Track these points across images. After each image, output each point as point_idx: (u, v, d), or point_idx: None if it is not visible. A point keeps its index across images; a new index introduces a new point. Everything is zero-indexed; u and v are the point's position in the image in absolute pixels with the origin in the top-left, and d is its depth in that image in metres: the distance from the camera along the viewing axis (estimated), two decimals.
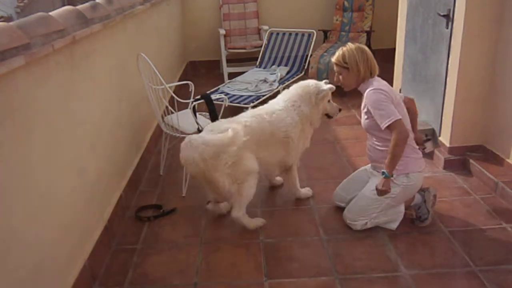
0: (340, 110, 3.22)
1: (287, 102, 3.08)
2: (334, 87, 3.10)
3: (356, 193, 2.96)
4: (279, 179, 3.47)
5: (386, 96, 2.70)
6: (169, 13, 5.83)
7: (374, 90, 2.73)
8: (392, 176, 2.71)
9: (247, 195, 2.84)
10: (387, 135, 2.74)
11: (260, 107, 3.17)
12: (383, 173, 2.71)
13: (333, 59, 2.89)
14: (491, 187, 3.27)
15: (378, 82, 2.80)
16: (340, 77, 2.88)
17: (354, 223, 2.86)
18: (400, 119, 2.66)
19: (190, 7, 6.91)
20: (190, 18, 6.92)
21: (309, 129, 3.16)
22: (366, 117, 2.83)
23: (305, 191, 3.30)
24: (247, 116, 3.02)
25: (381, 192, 2.73)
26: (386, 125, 2.65)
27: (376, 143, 2.85)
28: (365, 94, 2.79)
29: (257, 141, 2.88)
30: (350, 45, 2.87)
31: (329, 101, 3.15)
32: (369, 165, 3.06)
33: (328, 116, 3.21)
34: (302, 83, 3.17)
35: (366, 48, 2.86)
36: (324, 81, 3.18)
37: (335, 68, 2.91)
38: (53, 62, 2.12)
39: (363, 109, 2.85)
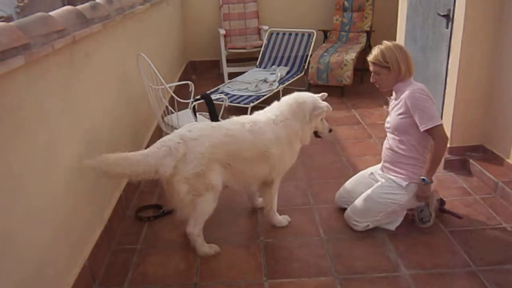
0: (330, 130, 2.94)
1: (278, 117, 2.76)
2: (330, 108, 2.82)
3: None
4: (261, 200, 3.11)
5: (431, 99, 2.67)
6: (169, 13, 5.83)
7: (419, 89, 2.65)
8: (432, 182, 2.70)
9: (203, 210, 2.58)
10: (415, 141, 2.70)
11: (247, 116, 2.90)
12: (423, 179, 2.68)
13: (370, 58, 2.75)
14: (491, 187, 3.27)
15: (416, 83, 2.74)
16: (378, 77, 2.76)
17: (357, 224, 2.85)
18: (442, 124, 2.63)
19: (190, 7, 6.91)
20: (190, 18, 6.92)
21: (298, 145, 2.86)
22: (401, 116, 2.71)
23: (281, 219, 2.95)
24: (229, 123, 2.75)
25: (422, 198, 2.75)
26: (427, 127, 2.60)
27: (400, 146, 2.77)
28: (405, 93, 2.67)
29: (233, 152, 2.60)
30: (387, 43, 2.73)
31: (322, 119, 2.88)
32: (376, 167, 3.03)
33: (317, 135, 2.93)
34: (298, 97, 2.84)
35: (403, 46, 2.77)
36: (321, 94, 2.91)
37: (372, 67, 2.77)
38: (53, 62, 2.12)
39: (397, 106, 2.75)
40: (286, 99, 2.85)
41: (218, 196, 2.62)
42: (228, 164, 2.60)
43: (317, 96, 2.86)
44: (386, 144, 2.92)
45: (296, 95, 2.86)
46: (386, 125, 2.90)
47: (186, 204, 2.56)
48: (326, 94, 2.95)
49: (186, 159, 2.47)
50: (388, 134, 2.91)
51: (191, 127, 2.64)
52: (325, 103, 2.82)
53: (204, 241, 2.68)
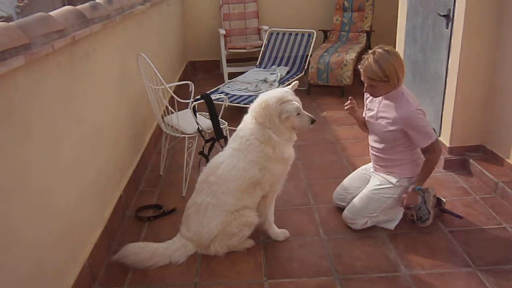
0: (313, 121, 2.62)
1: (242, 140, 2.60)
2: (300, 108, 2.57)
3: (356, 192, 2.96)
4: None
5: (424, 114, 2.69)
6: (169, 13, 5.83)
7: (416, 110, 2.63)
8: (421, 188, 2.76)
9: (239, 241, 2.67)
10: (403, 147, 2.74)
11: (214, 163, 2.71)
12: (416, 188, 2.74)
13: (368, 74, 2.60)
14: (491, 187, 3.27)
15: (408, 94, 2.72)
16: (374, 89, 2.67)
17: (355, 222, 2.86)
18: (437, 138, 2.69)
19: (190, 7, 6.91)
20: (190, 18, 6.92)
21: (283, 149, 2.60)
22: (390, 129, 2.71)
23: (278, 232, 2.81)
24: (200, 191, 2.67)
25: (408, 204, 2.76)
26: (426, 145, 2.66)
27: (388, 151, 2.81)
28: (400, 113, 2.64)
29: (231, 203, 2.60)
30: (381, 52, 2.58)
31: (298, 113, 2.57)
32: (370, 164, 3.06)
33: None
34: (261, 101, 2.58)
35: (395, 50, 2.66)
36: (292, 84, 2.70)
37: (368, 81, 2.65)
38: (53, 62, 2.12)
39: (385, 119, 2.73)
40: (251, 108, 2.63)
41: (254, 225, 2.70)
42: (240, 209, 2.63)
43: (286, 91, 2.62)
44: (371, 143, 2.94)
45: (260, 100, 2.59)
46: (370, 127, 2.89)
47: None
48: (297, 82, 2.77)
49: (202, 244, 2.64)
50: (372, 136, 2.92)
51: (184, 221, 2.72)
52: (294, 105, 2.53)
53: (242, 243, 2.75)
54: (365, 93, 2.93)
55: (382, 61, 2.58)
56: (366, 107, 2.95)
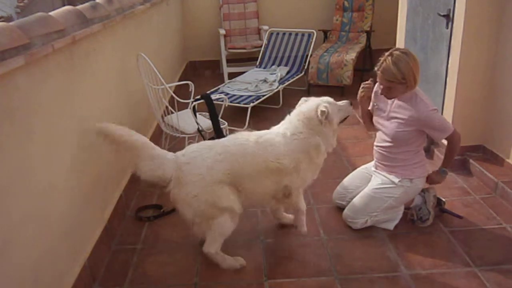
0: (351, 104, 2.79)
1: (288, 131, 2.62)
2: (334, 104, 2.70)
3: (356, 191, 2.96)
4: (290, 216, 2.94)
5: (437, 110, 2.72)
6: (169, 13, 5.83)
7: (432, 111, 2.66)
8: (446, 170, 2.84)
9: (218, 231, 2.48)
10: (411, 147, 2.76)
11: (255, 132, 2.71)
12: (443, 171, 2.83)
13: (386, 76, 2.61)
14: (491, 187, 3.27)
15: (422, 94, 2.73)
16: (390, 90, 2.67)
17: (355, 221, 2.86)
18: (454, 128, 2.72)
19: (190, 7, 6.91)
20: (190, 18, 6.92)
21: (322, 158, 2.71)
22: (403, 129, 2.71)
23: (305, 223, 2.78)
24: (229, 139, 2.62)
25: (433, 181, 2.86)
26: (443, 138, 2.72)
27: (394, 151, 2.80)
28: (416, 114, 2.65)
29: (234, 171, 2.45)
30: (399, 54, 2.59)
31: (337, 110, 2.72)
32: (370, 163, 3.06)
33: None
34: (304, 109, 2.67)
35: (412, 52, 2.68)
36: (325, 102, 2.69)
37: (385, 83, 2.65)
38: (53, 62, 2.12)
39: (399, 120, 2.74)
40: (296, 115, 2.69)
41: (238, 217, 2.54)
42: (237, 186, 2.47)
43: (315, 99, 2.71)
44: (378, 142, 2.94)
45: (303, 111, 2.67)
46: (380, 127, 2.88)
47: (198, 226, 2.50)
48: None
49: (181, 181, 2.41)
50: (380, 135, 2.92)
51: (186, 150, 2.54)
52: (325, 110, 2.59)
53: (225, 257, 2.56)
54: (373, 92, 2.92)
55: (400, 63, 2.58)
56: (374, 106, 2.94)
